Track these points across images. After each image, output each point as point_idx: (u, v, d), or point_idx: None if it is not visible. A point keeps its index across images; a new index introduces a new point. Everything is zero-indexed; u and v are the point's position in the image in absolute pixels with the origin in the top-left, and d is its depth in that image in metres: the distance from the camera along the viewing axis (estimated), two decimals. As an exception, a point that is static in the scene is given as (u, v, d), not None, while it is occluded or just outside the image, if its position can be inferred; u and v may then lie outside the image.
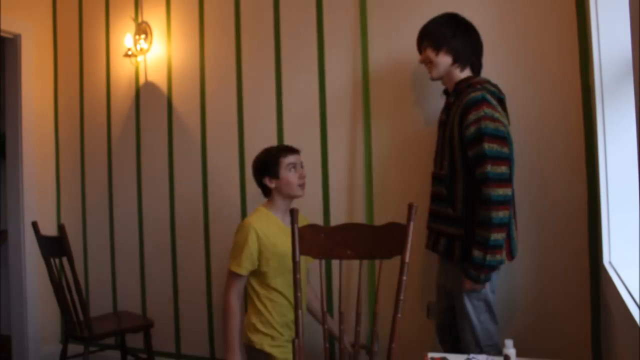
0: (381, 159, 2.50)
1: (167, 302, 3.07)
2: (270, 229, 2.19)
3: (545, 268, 2.16)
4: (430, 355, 1.61)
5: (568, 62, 2.12)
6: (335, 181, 2.59)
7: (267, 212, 2.24)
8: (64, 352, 2.68)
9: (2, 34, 3.29)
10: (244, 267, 2.14)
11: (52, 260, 2.65)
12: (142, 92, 3.17)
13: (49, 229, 3.36)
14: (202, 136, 2.97)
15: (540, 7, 2.17)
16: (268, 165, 2.22)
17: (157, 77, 3.12)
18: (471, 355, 1.62)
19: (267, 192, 2.27)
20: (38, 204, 3.40)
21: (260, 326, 2.18)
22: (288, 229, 2.10)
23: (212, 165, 2.94)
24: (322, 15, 2.64)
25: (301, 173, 2.25)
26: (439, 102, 2.39)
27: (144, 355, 2.91)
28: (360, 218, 2.52)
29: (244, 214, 2.82)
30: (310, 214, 2.60)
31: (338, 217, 2.57)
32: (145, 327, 2.81)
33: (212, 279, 2.93)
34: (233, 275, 2.16)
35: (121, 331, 2.84)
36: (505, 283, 2.21)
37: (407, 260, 1.66)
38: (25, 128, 3.37)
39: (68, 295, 2.62)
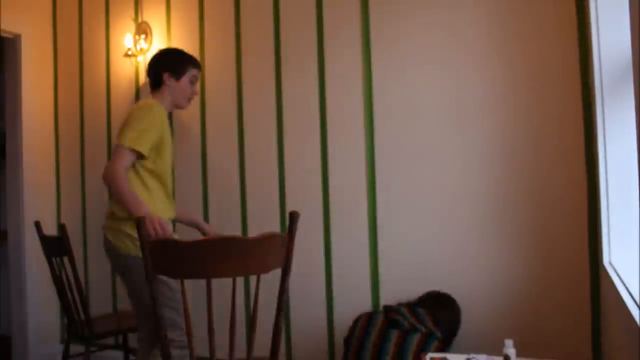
0: (384, 159, 2.49)
1: (167, 302, 3.07)
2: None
3: (546, 268, 2.16)
4: (430, 355, 1.61)
5: (568, 62, 2.12)
6: (335, 181, 2.59)
7: (158, 103, 2.21)
8: (66, 351, 2.68)
9: (2, 34, 3.30)
10: (145, 146, 2.09)
11: (54, 260, 2.65)
12: (142, 92, 3.17)
13: (49, 229, 3.36)
14: (202, 136, 2.97)
15: (540, 7, 2.17)
16: (175, 64, 2.28)
17: (157, 77, 3.11)
18: (471, 355, 1.62)
19: (157, 85, 2.28)
20: (38, 204, 3.40)
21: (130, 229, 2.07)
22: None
23: (212, 165, 2.94)
24: (323, 15, 2.64)
25: (196, 90, 2.36)
26: (445, 101, 2.39)
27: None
28: (362, 221, 2.52)
29: (243, 213, 2.82)
30: (310, 216, 2.61)
31: (339, 219, 2.57)
32: (146, 327, 2.80)
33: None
34: (128, 151, 2.07)
35: (123, 331, 2.84)
36: (505, 283, 2.22)
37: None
38: (25, 128, 3.37)
39: (70, 294, 2.62)
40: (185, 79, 2.29)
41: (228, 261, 1.46)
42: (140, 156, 2.12)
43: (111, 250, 2.12)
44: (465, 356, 1.61)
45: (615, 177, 1.81)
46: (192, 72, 2.31)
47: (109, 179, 2.04)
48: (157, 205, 2.15)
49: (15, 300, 3.36)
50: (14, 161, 3.40)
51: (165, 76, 2.26)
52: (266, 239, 1.45)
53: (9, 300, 3.44)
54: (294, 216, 1.49)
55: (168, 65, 2.28)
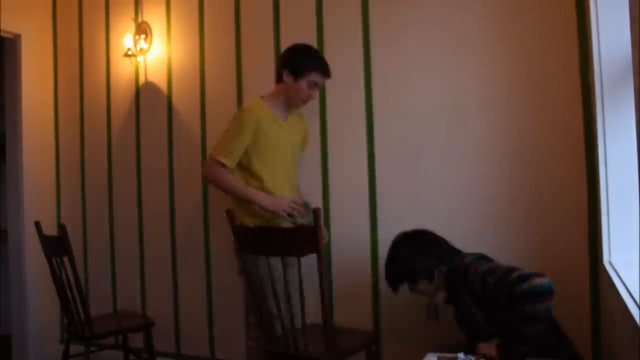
0: (384, 159, 2.49)
1: (167, 302, 3.07)
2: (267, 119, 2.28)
3: (545, 268, 2.15)
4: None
5: (568, 62, 2.12)
6: (335, 181, 2.59)
7: (264, 104, 2.30)
8: (66, 351, 2.68)
9: (2, 34, 3.29)
10: (229, 157, 2.22)
11: (54, 259, 2.66)
12: (142, 92, 3.17)
13: (49, 229, 3.36)
14: (202, 136, 2.97)
15: (540, 7, 2.17)
16: (298, 63, 2.25)
17: (157, 77, 3.11)
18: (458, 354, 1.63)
19: (278, 79, 2.32)
20: (38, 204, 3.40)
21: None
22: (281, 122, 2.33)
23: (212, 165, 2.93)
24: (322, 15, 2.63)
25: (313, 94, 2.31)
26: (445, 101, 2.38)
27: (145, 355, 2.91)
28: (362, 222, 2.52)
29: (244, 214, 2.82)
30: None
31: (339, 219, 2.57)
32: (146, 326, 2.80)
33: (212, 279, 2.93)
34: (215, 160, 2.23)
35: (122, 330, 2.84)
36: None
37: None
38: (25, 128, 3.37)
39: (69, 294, 2.62)
40: (302, 82, 2.25)
41: (275, 244, 1.96)
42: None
43: None
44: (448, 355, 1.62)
45: (615, 177, 1.81)
46: (314, 78, 2.26)
47: (217, 180, 2.27)
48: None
49: (15, 300, 3.36)
50: (14, 161, 3.40)
51: (285, 74, 2.25)
52: (296, 229, 1.98)
53: (9, 300, 3.44)
54: (316, 212, 1.87)
55: (290, 63, 2.26)
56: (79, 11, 3.43)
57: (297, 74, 2.24)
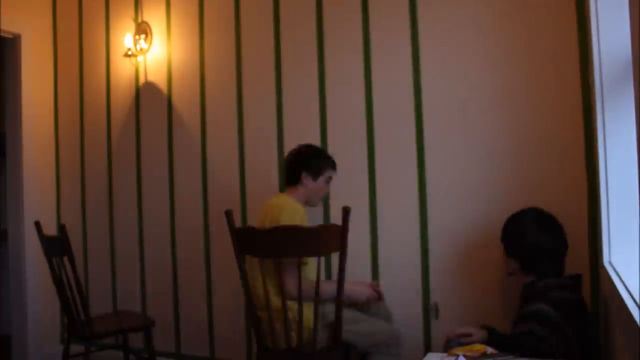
0: (385, 159, 2.49)
1: (167, 302, 3.07)
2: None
3: (545, 268, 2.16)
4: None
5: (568, 62, 2.12)
6: (335, 182, 2.59)
7: (296, 201, 2.24)
8: (66, 351, 2.68)
9: (2, 34, 3.29)
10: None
11: (54, 260, 2.65)
12: (142, 92, 3.17)
13: (49, 229, 3.36)
14: (202, 136, 2.97)
15: (541, 7, 2.17)
16: (315, 165, 2.29)
17: (157, 77, 3.11)
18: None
19: (293, 180, 2.30)
20: (38, 203, 3.40)
21: None
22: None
23: (212, 165, 2.94)
24: (322, 14, 2.64)
25: (328, 189, 2.40)
26: (444, 102, 2.38)
27: (145, 355, 2.91)
28: (362, 222, 2.52)
29: (243, 214, 2.82)
30: (309, 217, 2.61)
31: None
32: (146, 326, 2.80)
33: (212, 279, 2.93)
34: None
35: (122, 330, 2.84)
36: (506, 283, 2.21)
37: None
38: (25, 128, 3.37)
39: (69, 294, 2.62)
40: (321, 181, 2.31)
41: (292, 245, 1.94)
42: None
43: None
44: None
45: (615, 177, 1.80)
46: (329, 174, 2.34)
47: (307, 293, 2.01)
48: None
49: (15, 300, 3.36)
50: (14, 161, 3.40)
51: (304, 175, 2.27)
52: (324, 228, 2.03)
53: (9, 300, 3.45)
54: (346, 210, 1.97)
55: (306, 164, 2.29)
56: (79, 11, 3.43)
57: (314, 174, 2.29)
